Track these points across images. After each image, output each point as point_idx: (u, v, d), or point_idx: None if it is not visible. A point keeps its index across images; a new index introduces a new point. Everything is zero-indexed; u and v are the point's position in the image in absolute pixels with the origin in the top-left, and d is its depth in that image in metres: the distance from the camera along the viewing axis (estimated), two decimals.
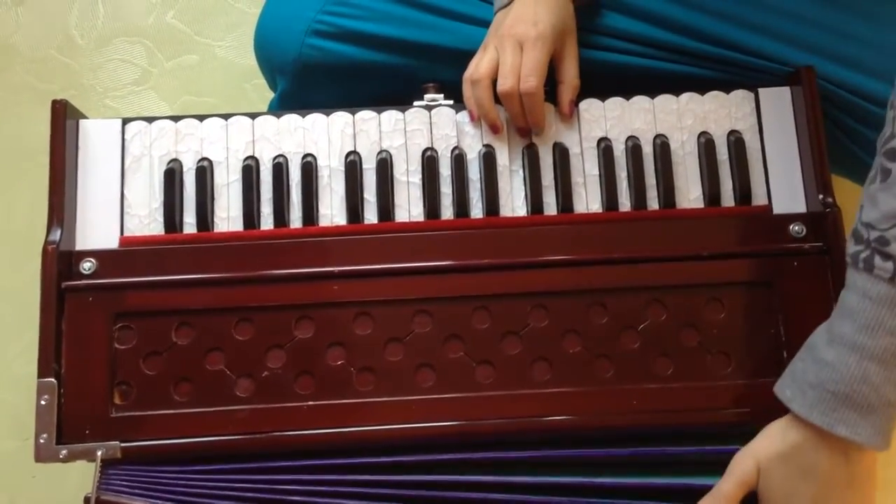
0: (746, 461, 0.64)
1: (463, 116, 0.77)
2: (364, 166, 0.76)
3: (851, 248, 0.61)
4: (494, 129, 0.75)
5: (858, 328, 0.59)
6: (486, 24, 0.80)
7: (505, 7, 0.77)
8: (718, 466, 0.66)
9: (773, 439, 0.64)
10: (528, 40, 0.73)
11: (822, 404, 0.60)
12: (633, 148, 0.75)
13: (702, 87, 0.77)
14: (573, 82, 0.76)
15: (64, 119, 0.73)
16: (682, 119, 0.77)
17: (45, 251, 0.70)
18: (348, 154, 0.76)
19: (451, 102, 0.77)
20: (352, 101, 0.77)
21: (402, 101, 0.77)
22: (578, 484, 0.68)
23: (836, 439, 0.60)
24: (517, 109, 0.74)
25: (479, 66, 0.75)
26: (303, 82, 0.83)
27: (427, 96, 0.78)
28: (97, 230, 0.73)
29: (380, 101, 0.77)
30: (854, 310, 0.60)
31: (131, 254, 0.72)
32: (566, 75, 0.76)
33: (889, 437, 0.60)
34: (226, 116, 0.76)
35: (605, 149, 0.76)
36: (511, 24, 0.74)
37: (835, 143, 0.77)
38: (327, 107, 0.77)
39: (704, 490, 0.65)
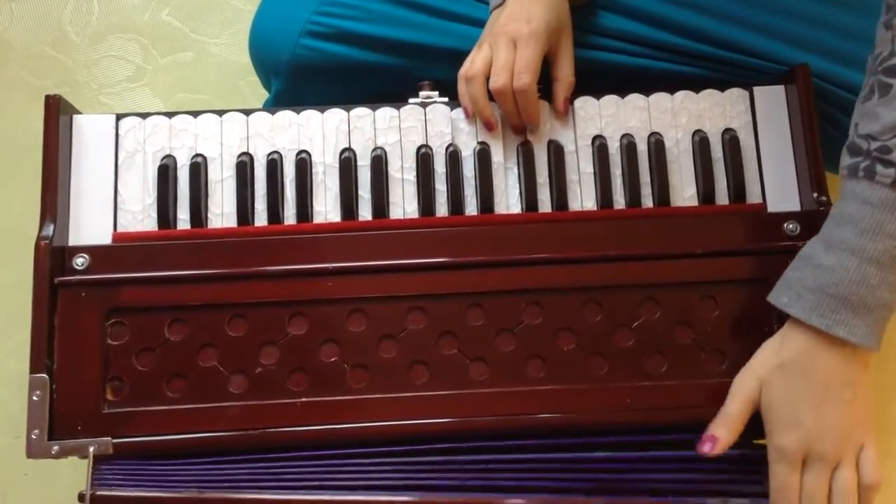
0: (748, 379, 0.67)
1: (458, 113, 0.77)
2: (359, 163, 0.75)
3: (847, 160, 0.64)
4: (489, 127, 0.75)
5: (859, 232, 0.62)
6: (480, 23, 0.80)
7: (500, 6, 0.77)
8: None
9: (770, 353, 0.67)
10: (521, 38, 0.73)
11: (822, 306, 0.63)
12: (628, 146, 0.75)
13: (697, 85, 0.77)
14: (568, 79, 0.76)
15: (58, 114, 0.73)
16: (676, 117, 0.77)
17: (37, 246, 0.70)
18: (343, 151, 0.76)
19: (445, 100, 0.77)
20: (346, 102, 0.77)
21: (396, 99, 0.77)
22: (571, 458, 0.69)
23: (833, 340, 0.63)
24: (511, 107, 0.74)
25: (473, 64, 0.75)
26: (297, 83, 0.83)
27: (422, 93, 0.78)
28: (90, 226, 0.73)
29: (375, 101, 0.77)
30: (854, 216, 0.62)
31: (124, 249, 0.72)
32: (561, 72, 0.76)
33: (881, 337, 0.64)
34: (220, 112, 0.76)
35: (599, 146, 0.76)
36: (505, 22, 0.74)
37: (831, 142, 0.77)
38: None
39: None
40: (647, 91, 0.77)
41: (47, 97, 0.73)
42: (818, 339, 0.64)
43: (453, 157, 0.75)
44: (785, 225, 0.73)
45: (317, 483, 0.68)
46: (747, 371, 0.67)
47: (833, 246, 0.63)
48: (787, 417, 0.64)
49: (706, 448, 0.67)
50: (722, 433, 0.67)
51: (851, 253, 0.62)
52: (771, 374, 0.66)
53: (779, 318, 0.69)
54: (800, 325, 0.65)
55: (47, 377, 0.68)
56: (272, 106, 0.88)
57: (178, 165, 0.75)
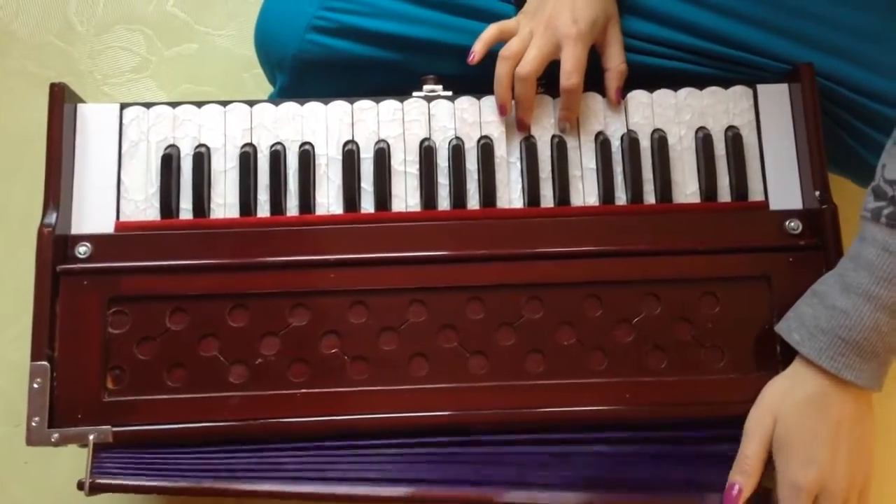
0: (763, 417, 0.67)
1: (461, 104, 0.76)
2: (362, 155, 0.75)
3: (871, 203, 0.64)
4: (502, 111, 0.75)
5: (876, 280, 0.62)
6: (488, 17, 0.79)
7: None
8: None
9: (783, 390, 0.67)
10: (567, 39, 0.73)
11: (832, 349, 0.64)
12: (631, 142, 0.75)
13: (701, 82, 0.77)
14: (619, 68, 0.76)
15: (62, 103, 0.73)
16: (680, 114, 0.77)
17: (40, 234, 0.70)
18: (346, 143, 0.76)
19: (449, 94, 0.77)
20: (351, 97, 0.77)
21: (401, 95, 0.77)
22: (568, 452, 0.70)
23: (842, 381, 0.64)
24: (525, 94, 0.74)
25: (510, 45, 0.74)
26: (302, 78, 0.83)
27: (426, 87, 0.78)
28: (93, 214, 0.73)
29: (379, 95, 0.77)
30: (873, 262, 0.62)
31: (127, 238, 0.72)
32: (612, 62, 0.76)
33: (883, 380, 0.65)
34: (224, 103, 0.76)
35: (602, 142, 0.76)
36: (551, 16, 0.74)
37: (838, 143, 0.77)
38: None
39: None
40: (650, 87, 0.77)
41: (52, 85, 0.73)
42: (829, 378, 0.65)
43: (456, 150, 0.75)
44: (787, 223, 0.73)
45: (315, 474, 0.68)
46: (761, 409, 0.67)
47: (850, 289, 0.64)
48: (803, 454, 0.64)
49: (731, 497, 0.66)
50: (741, 479, 0.67)
51: (867, 299, 0.62)
52: (786, 409, 0.66)
53: (778, 317, 0.70)
54: (811, 363, 0.65)
55: (48, 365, 0.68)
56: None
57: (182, 155, 0.75)
